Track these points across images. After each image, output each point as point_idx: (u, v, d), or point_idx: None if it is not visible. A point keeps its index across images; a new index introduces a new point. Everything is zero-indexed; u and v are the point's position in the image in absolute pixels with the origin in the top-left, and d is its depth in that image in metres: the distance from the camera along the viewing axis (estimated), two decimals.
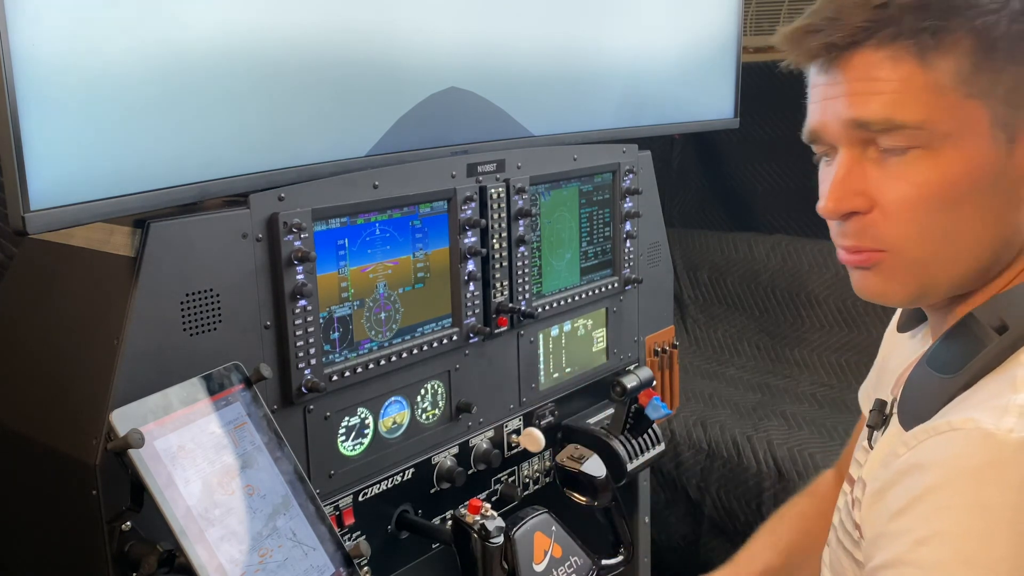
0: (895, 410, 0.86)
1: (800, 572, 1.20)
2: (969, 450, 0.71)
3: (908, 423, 0.80)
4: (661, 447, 1.67)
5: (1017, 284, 0.83)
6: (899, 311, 1.06)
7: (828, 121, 0.82)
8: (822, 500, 1.24)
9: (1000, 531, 0.68)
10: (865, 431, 0.96)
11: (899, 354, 1.02)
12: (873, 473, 0.84)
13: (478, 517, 1.33)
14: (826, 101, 0.82)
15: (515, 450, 1.59)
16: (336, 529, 1.15)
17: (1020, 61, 0.77)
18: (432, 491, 1.45)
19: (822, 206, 0.83)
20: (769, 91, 2.84)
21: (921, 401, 0.80)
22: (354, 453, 1.32)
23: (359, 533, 1.33)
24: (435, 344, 1.40)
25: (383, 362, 1.32)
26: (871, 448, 0.92)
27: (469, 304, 1.45)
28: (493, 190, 1.47)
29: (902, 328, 1.03)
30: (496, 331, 1.51)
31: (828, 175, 0.85)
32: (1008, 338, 0.78)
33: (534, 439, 1.56)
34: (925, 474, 0.72)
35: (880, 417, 0.93)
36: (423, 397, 1.42)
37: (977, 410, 0.73)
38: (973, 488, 0.70)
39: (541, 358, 1.63)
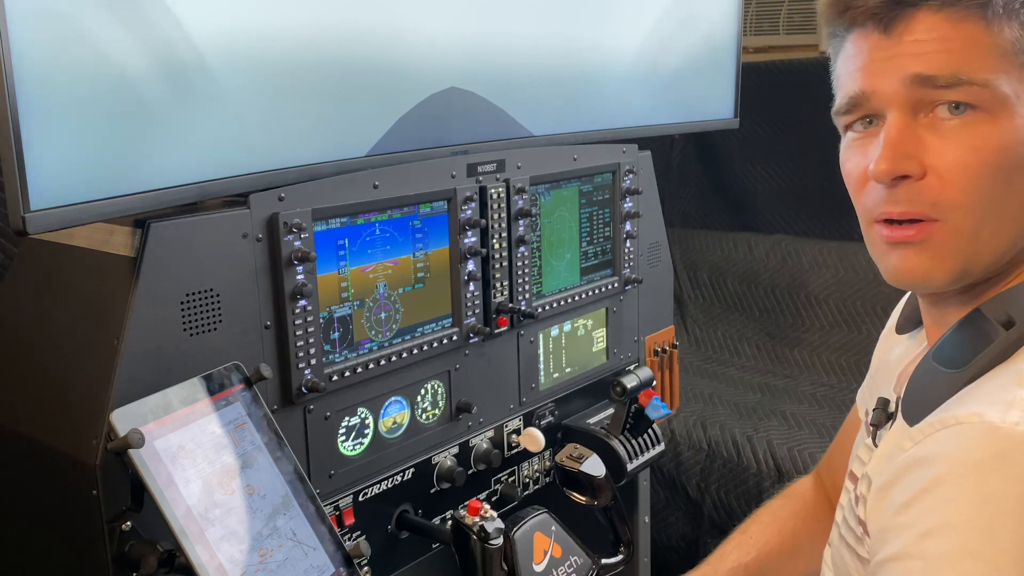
0: (899, 407, 0.86)
1: (773, 573, 1.20)
2: (974, 443, 0.71)
3: (913, 418, 0.80)
4: (661, 447, 1.67)
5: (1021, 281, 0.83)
6: (896, 314, 1.06)
7: (880, 83, 0.80)
8: (797, 502, 1.24)
9: (1005, 523, 0.68)
10: (866, 430, 0.96)
11: (898, 354, 1.02)
12: (879, 468, 0.84)
13: (477, 519, 1.33)
14: (879, 63, 0.80)
15: (515, 450, 1.59)
16: (336, 529, 1.15)
17: None
18: (432, 491, 1.45)
19: (875, 168, 0.79)
20: (769, 91, 2.84)
21: (926, 396, 0.80)
22: (354, 453, 1.32)
23: (359, 533, 1.33)
24: (435, 344, 1.40)
25: (383, 362, 1.32)
26: (875, 446, 0.92)
27: (469, 304, 1.45)
28: (493, 190, 1.47)
29: (900, 330, 1.03)
30: (496, 331, 1.51)
31: (860, 148, 0.84)
32: (1015, 333, 0.78)
33: (534, 439, 1.56)
34: (931, 467, 0.73)
35: (883, 415, 0.93)
36: (423, 397, 1.42)
37: (982, 404, 0.73)
38: (978, 481, 0.70)
39: (541, 358, 1.63)
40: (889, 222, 0.82)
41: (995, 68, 0.76)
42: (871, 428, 0.94)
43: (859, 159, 0.84)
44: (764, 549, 1.20)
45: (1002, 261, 0.82)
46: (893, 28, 0.79)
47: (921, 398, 0.81)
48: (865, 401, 1.10)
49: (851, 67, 0.83)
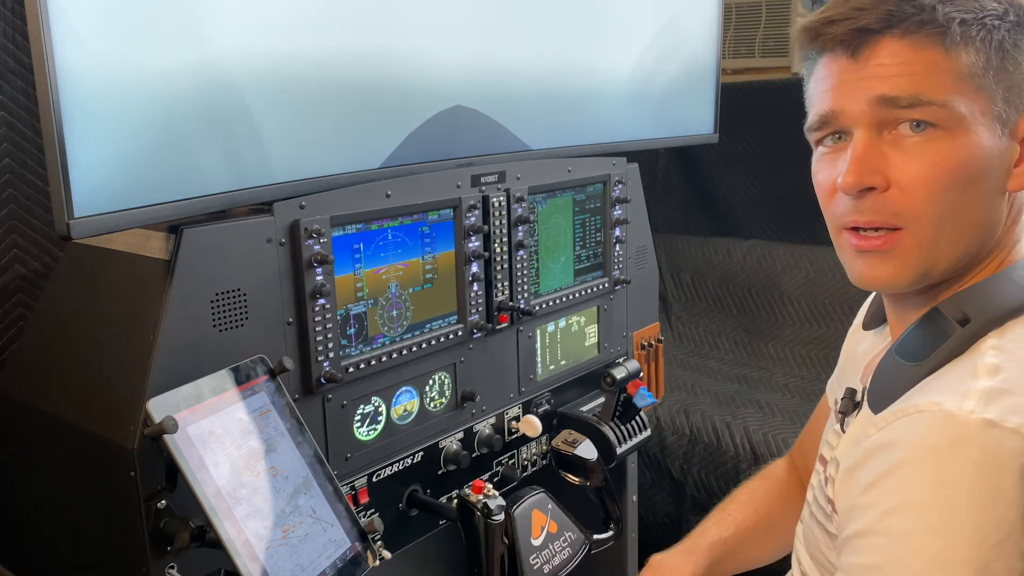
0: (865, 396, 0.86)
1: (750, 547, 1.20)
2: (933, 430, 0.71)
3: (877, 407, 0.80)
4: (647, 432, 1.67)
5: (980, 279, 0.83)
6: (863, 312, 1.06)
7: (848, 103, 0.80)
8: (772, 483, 1.25)
9: (961, 502, 0.68)
10: (835, 417, 0.96)
11: (865, 348, 1.02)
12: (846, 452, 0.84)
13: (481, 496, 1.33)
14: (847, 84, 0.80)
15: (515, 435, 1.59)
16: (352, 507, 1.14)
17: (1018, 65, 0.78)
18: (439, 473, 1.44)
19: (843, 181, 0.80)
20: (745, 109, 2.84)
21: (890, 386, 0.80)
22: (368, 438, 1.32)
23: (373, 511, 1.32)
24: (442, 339, 1.40)
25: (395, 355, 1.32)
26: (843, 431, 0.92)
27: (473, 303, 1.45)
28: (495, 199, 1.46)
29: (867, 326, 1.03)
30: (497, 327, 1.51)
31: (830, 161, 0.84)
32: (969, 329, 0.78)
33: (532, 425, 1.55)
34: (893, 452, 0.73)
35: (851, 403, 0.93)
36: (431, 387, 1.42)
37: (941, 394, 0.73)
38: (936, 464, 0.70)
39: (538, 352, 1.63)
40: (856, 230, 0.82)
41: (953, 90, 0.77)
42: (840, 415, 0.94)
43: (829, 172, 0.84)
44: (742, 526, 1.20)
45: (959, 264, 0.82)
46: (860, 53, 0.80)
47: (885, 388, 0.81)
48: (834, 391, 1.10)
49: (822, 88, 0.84)
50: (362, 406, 1.31)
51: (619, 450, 1.58)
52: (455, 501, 1.37)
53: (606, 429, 1.59)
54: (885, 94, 0.78)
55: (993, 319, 0.78)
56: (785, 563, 1.09)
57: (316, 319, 1.20)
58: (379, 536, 1.20)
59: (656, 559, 1.18)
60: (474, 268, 1.44)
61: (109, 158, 0.97)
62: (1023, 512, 0.67)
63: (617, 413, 1.61)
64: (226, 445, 0.99)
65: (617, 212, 1.74)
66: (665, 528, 2.42)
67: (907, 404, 0.75)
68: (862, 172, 0.79)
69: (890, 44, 0.78)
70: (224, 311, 1.11)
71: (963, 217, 0.79)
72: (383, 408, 1.34)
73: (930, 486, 0.69)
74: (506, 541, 1.33)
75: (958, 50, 0.77)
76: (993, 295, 0.80)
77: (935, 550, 0.68)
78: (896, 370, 0.81)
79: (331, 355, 1.22)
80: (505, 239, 1.49)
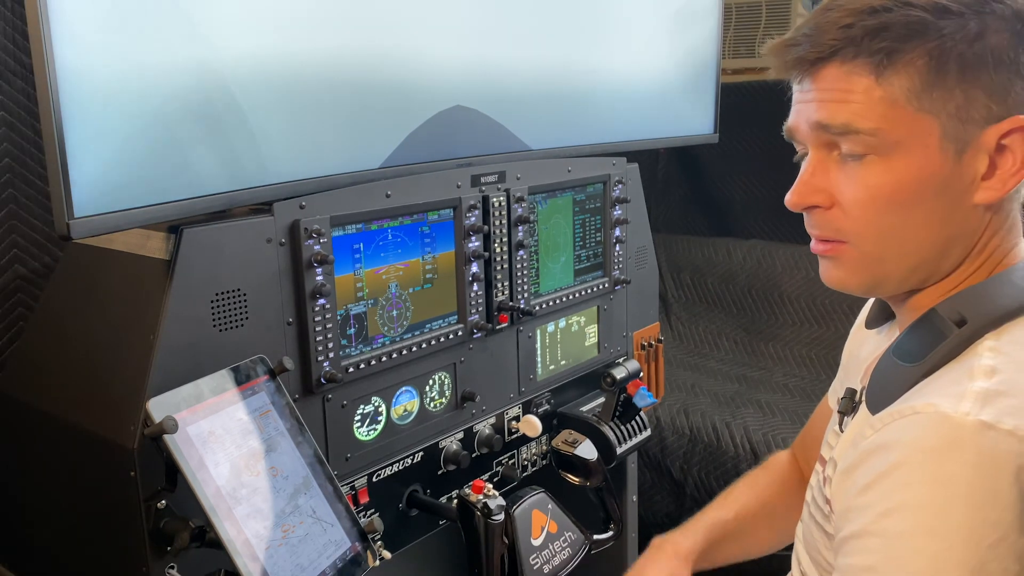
0: (863, 397, 0.86)
1: (749, 534, 1.22)
2: (929, 431, 0.71)
3: (875, 408, 0.80)
4: (647, 432, 1.67)
5: (975, 282, 0.83)
6: (866, 310, 1.06)
7: (799, 124, 0.85)
8: (774, 473, 1.26)
9: (957, 504, 0.68)
10: (835, 417, 0.96)
11: (867, 348, 1.02)
12: (843, 453, 0.84)
13: (481, 496, 1.33)
14: (799, 105, 0.84)
15: (515, 435, 1.59)
16: (352, 507, 1.15)
17: (970, 81, 0.77)
18: (439, 473, 1.44)
19: (787, 199, 0.85)
20: (746, 109, 2.83)
21: (887, 388, 0.81)
22: (368, 438, 1.32)
23: (373, 511, 1.32)
24: (442, 339, 1.40)
25: (395, 355, 1.32)
26: (842, 432, 0.92)
27: (473, 303, 1.45)
28: (495, 199, 1.46)
29: (870, 325, 1.03)
30: (497, 327, 1.51)
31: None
32: (966, 331, 0.78)
33: (532, 425, 1.55)
34: (890, 453, 0.73)
35: (850, 404, 0.93)
36: (431, 387, 1.42)
37: (937, 396, 0.73)
38: (933, 465, 0.70)
39: (538, 352, 1.63)
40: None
41: (885, 116, 0.78)
42: (839, 415, 0.94)
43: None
44: (742, 511, 1.21)
45: (921, 273, 0.84)
46: (805, 79, 0.83)
47: (882, 389, 0.81)
48: (836, 390, 1.10)
49: (792, 102, 0.87)
50: (362, 406, 1.31)
51: (619, 450, 1.58)
52: (455, 501, 1.37)
53: (606, 429, 1.59)
54: (820, 120, 0.81)
55: (990, 321, 0.78)
56: (786, 563, 1.09)
57: (316, 319, 1.20)
58: (379, 536, 1.20)
59: (657, 539, 1.21)
60: (474, 268, 1.44)
61: (109, 158, 0.97)
62: (1019, 513, 0.67)
63: (617, 413, 1.61)
64: (226, 445, 0.99)
65: (617, 212, 1.74)
66: (665, 528, 2.40)
67: (904, 406, 0.75)
68: (804, 193, 0.84)
69: (831, 71, 0.80)
70: (224, 311, 1.11)
71: (908, 235, 0.81)
72: (383, 408, 1.34)
73: (926, 487, 0.69)
74: (506, 541, 1.33)
75: (890, 77, 0.78)
76: (991, 297, 0.80)
77: (931, 551, 0.68)
78: (893, 371, 0.82)
79: (331, 355, 1.22)
80: (505, 239, 1.49)
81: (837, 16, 0.79)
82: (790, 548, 1.08)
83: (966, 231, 0.82)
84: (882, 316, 0.99)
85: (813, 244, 0.87)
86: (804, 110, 0.83)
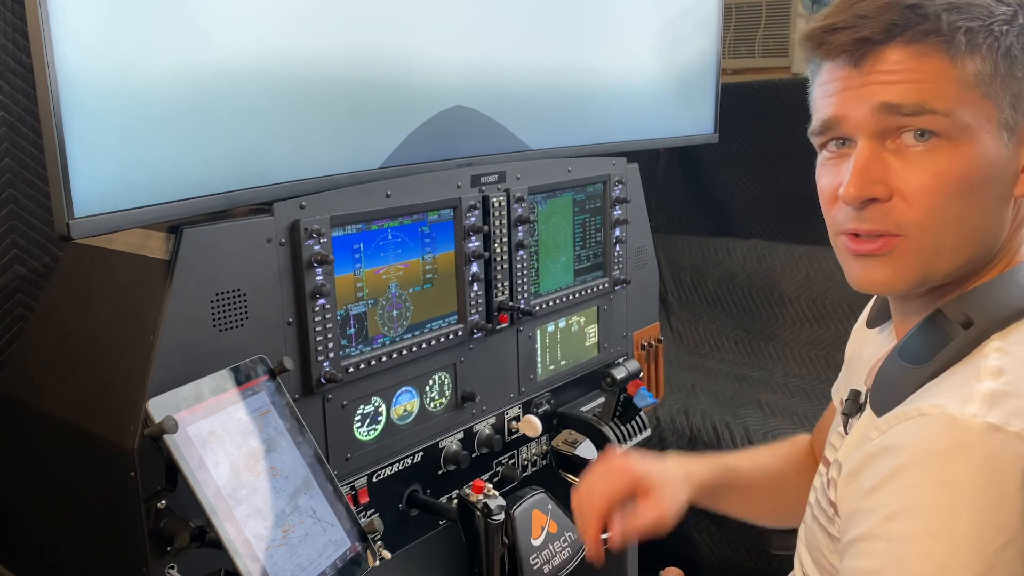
0: (868, 398, 0.86)
1: (756, 490, 1.16)
2: (936, 433, 0.71)
3: (880, 410, 0.80)
4: (647, 432, 1.67)
5: (986, 279, 0.83)
6: (868, 309, 1.06)
7: (851, 110, 0.80)
8: (795, 449, 1.19)
9: (963, 507, 0.68)
10: (839, 419, 0.96)
11: (870, 348, 1.01)
12: (848, 455, 0.83)
13: (481, 496, 1.33)
14: (851, 91, 0.80)
15: (515, 435, 1.59)
16: (352, 507, 1.14)
17: None
18: (439, 473, 1.44)
19: (845, 192, 0.79)
20: (746, 109, 2.83)
21: (892, 389, 0.80)
22: (369, 438, 1.32)
23: (373, 511, 1.32)
24: (442, 339, 1.40)
25: (395, 355, 1.32)
26: (846, 434, 0.92)
27: (473, 303, 1.45)
28: (495, 199, 1.46)
29: (871, 324, 1.03)
30: (497, 327, 1.51)
31: (833, 167, 0.83)
32: (972, 332, 0.78)
33: (532, 425, 1.55)
34: (895, 455, 0.72)
35: (855, 406, 0.93)
36: (431, 387, 1.42)
37: (943, 397, 0.73)
38: (939, 468, 0.69)
39: (538, 352, 1.63)
40: (855, 235, 0.82)
41: (957, 99, 0.76)
42: (843, 417, 0.94)
43: (831, 177, 0.84)
44: (755, 468, 1.16)
45: (961, 269, 0.82)
46: (863, 62, 0.79)
47: (887, 391, 0.81)
48: (840, 392, 1.09)
49: (825, 93, 0.83)
50: (362, 406, 1.30)
51: (619, 450, 1.58)
52: (455, 501, 1.37)
53: (606, 429, 1.59)
54: (888, 101, 0.77)
55: (997, 321, 0.78)
56: (786, 564, 1.09)
57: (316, 319, 1.20)
58: (379, 536, 1.20)
59: (674, 456, 1.13)
60: (474, 268, 1.44)
61: (109, 158, 0.97)
62: None
63: (617, 413, 1.61)
64: (226, 445, 0.99)
65: (617, 212, 1.74)
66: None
67: (910, 407, 0.75)
68: (864, 184, 0.78)
69: (894, 52, 0.77)
70: (224, 311, 1.11)
71: (966, 225, 0.79)
72: (383, 408, 1.34)
73: (932, 490, 0.69)
74: (506, 541, 1.33)
75: (963, 58, 0.76)
76: (997, 297, 0.80)
77: (937, 555, 0.67)
78: (899, 373, 0.81)
79: (331, 355, 1.22)
80: (505, 239, 1.49)
81: None
82: (791, 547, 1.08)
83: (1001, 225, 0.81)
84: (884, 314, 0.99)
85: (855, 245, 0.81)
86: (861, 94, 0.79)
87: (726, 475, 1.14)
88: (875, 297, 1.04)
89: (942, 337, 0.79)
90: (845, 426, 0.93)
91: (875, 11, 0.77)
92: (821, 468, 0.97)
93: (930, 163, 0.77)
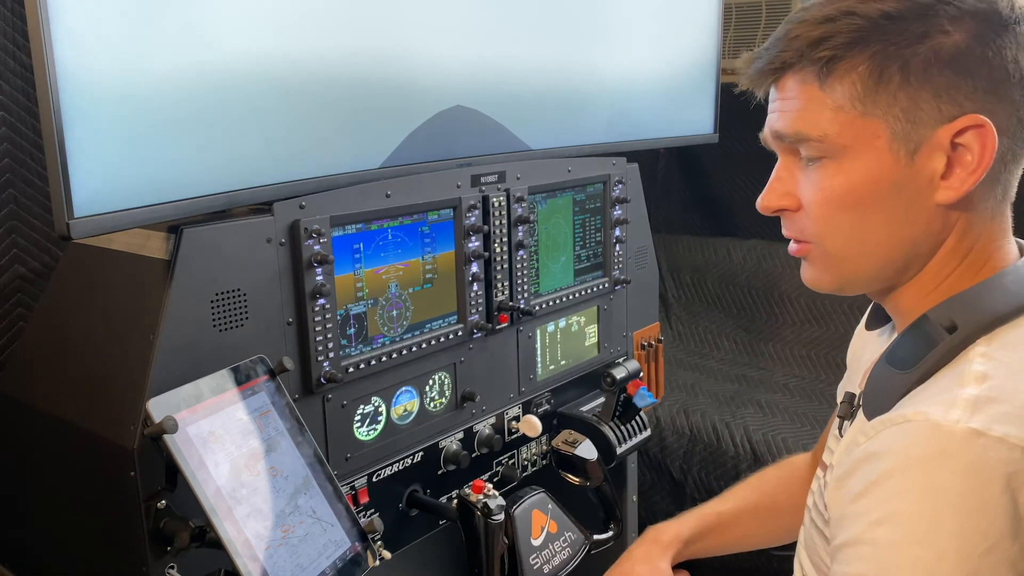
0: (860, 402, 0.86)
1: (750, 524, 1.23)
2: (920, 440, 0.71)
3: (871, 414, 0.80)
4: (647, 432, 1.67)
5: (957, 282, 0.83)
6: (868, 311, 1.06)
7: (766, 133, 0.88)
8: (785, 470, 1.26)
9: (947, 513, 0.68)
10: (836, 422, 0.96)
11: (868, 351, 1.02)
12: (840, 460, 0.84)
13: (481, 496, 1.33)
14: (768, 115, 0.88)
15: (515, 435, 1.59)
16: (352, 507, 1.14)
17: (916, 84, 0.77)
18: (439, 473, 1.44)
19: (758, 203, 0.90)
20: (746, 109, 2.84)
21: (880, 394, 0.81)
22: (368, 438, 1.32)
23: (373, 511, 1.32)
24: (442, 339, 1.40)
25: (395, 355, 1.32)
26: (841, 437, 0.92)
27: (473, 302, 1.45)
28: (495, 199, 1.46)
29: (869, 326, 1.03)
30: (497, 327, 1.51)
31: None
32: (957, 337, 0.78)
33: (532, 425, 1.55)
34: (881, 461, 0.72)
35: (849, 409, 0.93)
36: (431, 387, 1.42)
37: (928, 403, 0.73)
38: (923, 474, 0.70)
39: (538, 352, 1.63)
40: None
41: (832, 121, 0.80)
42: (839, 420, 0.94)
43: None
44: (741, 503, 1.23)
45: (889, 272, 0.85)
46: (771, 90, 0.86)
47: (876, 396, 0.81)
48: (842, 394, 1.10)
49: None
50: (362, 406, 1.30)
51: (619, 450, 1.58)
52: (455, 501, 1.37)
53: (606, 429, 1.59)
54: (776, 130, 0.85)
55: (981, 326, 0.78)
56: (786, 564, 1.09)
57: (316, 319, 1.20)
58: (379, 536, 1.20)
59: (650, 527, 1.23)
60: (474, 268, 1.44)
61: (109, 158, 0.97)
62: (1010, 521, 0.67)
63: (617, 413, 1.61)
64: (226, 445, 0.99)
65: (617, 212, 1.74)
66: None
67: (895, 414, 0.75)
68: (772, 197, 0.88)
69: (786, 82, 0.83)
70: (224, 311, 1.11)
71: (867, 235, 0.83)
72: (383, 408, 1.34)
73: (917, 496, 0.69)
74: (506, 541, 1.33)
75: (832, 84, 0.80)
76: (982, 302, 0.80)
77: (923, 561, 0.68)
78: (887, 378, 0.82)
79: (331, 355, 1.22)
80: (505, 239, 1.49)
81: (790, 29, 0.82)
82: (791, 548, 1.08)
83: (931, 231, 0.82)
84: (881, 317, 0.99)
85: (790, 245, 0.90)
86: (769, 120, 0.87)
87: (707, 520, 1.23)
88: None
89: (928, 342, 0.80)
90: (841, 429, 0.94)
91: (775, 45, 0.84)
92: (818, 472, 0.97)
93: (818, 179, 0.83)
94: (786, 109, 0.83)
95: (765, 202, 0.89)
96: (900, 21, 0.77)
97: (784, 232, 0.90)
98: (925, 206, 0.81)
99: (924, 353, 0.79)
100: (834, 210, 0.83)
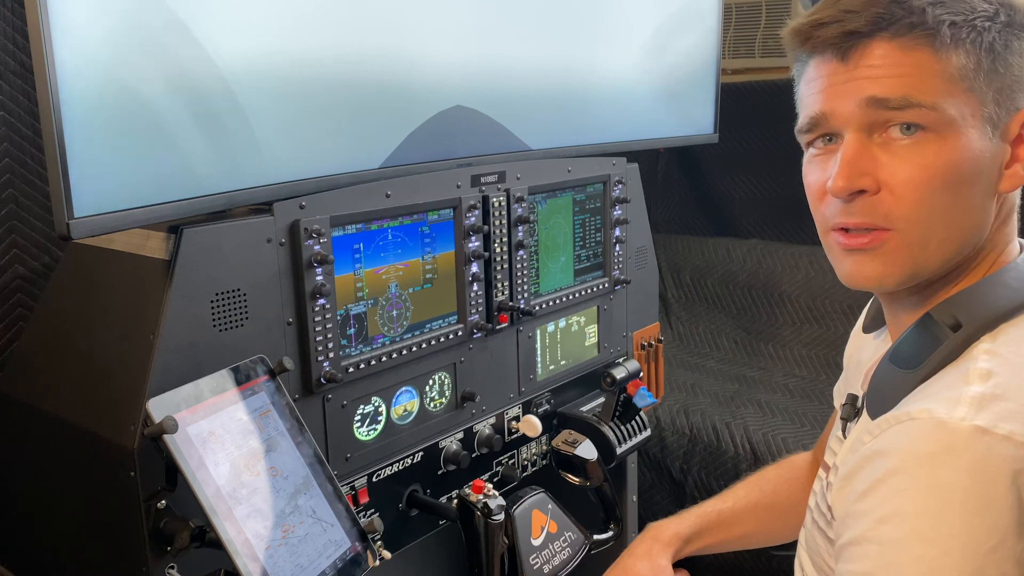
0: (864, 403, 0.86)
1: (749, 522, 1.22)
2: (925, 437, 0.71)
3: (874, 414, 0.80)
4: (647, 432, 1.67)
5: (974, 277, 0.83)
6: (864, 314, 1.06)
7: (838, 105, 0.80)
8: (785, 468, 1.26)
9: (952, 510, 0.68)
10: (838, 423, 0.96)
11: (866, 352, 1.02)
12: (844, 459, 0.84)
13: (481, 496, 1.33)
14: (837, 86, 0.80)
15: (515, 435, 1.59)
16: (352, 507, 1.14)
17: (1008, 66, 0.78)
18: (439, 472, 1.44)
19: (834, 184, 0.79)
20: (745, 109, 2.83)
21: (885, 393, 0.80)
22: (368, 438, 1.32)
23: (373, 511, 1.32)
24: (442, 339, 1.40)
25: (395, 355, 1.32)
26: (844, 438, 0.92)
27: (473, 303, 1.45)
28: (495, 199, 1.46)
29: (867, 329, 1.03)
30: (497, 327, 1.51)
31: (821, 163, 0.84)
32: (961, 335, 0.78)
33: (532, 425, 1.55)
34: (886, 459, 0.72)
35: (852, 410, 0.93)
36: (431, 387, 1.42)
37: (933, 401, 0.73)
38: (928, 472, 0.70)
39: (538, 352, 1.62)
40: (845, 230, 0.82)
41: (942, 92, 0.76)
42: (842, 422, 0.94)
43: (819, 173, 0.84)
44: (741, 502, 1.22)
45: (949, 264, 0.82)
46: (850, 56, 0.79)
47: (881, 395, 0.81)
48: (840, 394, 1.10)
49: (812, 90, 0.83)
50: (362, 406, 1.30)
51: (619, 450, 1.58)
52: (455, 501, 1.37)
53: (606, 429, 1.59)
54: (875, 95, 0.78)
55: (985, 323, 0.78)
56: (787, 564, 1.09)
57: (316, 319, 1.20)
58: (379, 536, 1.20)
59: (650, 524, 1.23)
60: (474, 268, 1.44)
61: (109, 157, 0.97)
62: (1015, 518, 0.67)
63: (617, 413, 1.61)
64: (226, 445, 0.99)
65: (617, 212, 1.74)
66: None
67: (900, 411, 0.75)
68: (852, 176, 0.78)
69: (880, 46, 0.78)
70: (224, 311, 1.11)
71: (953, 219, 0.79)
72: (383, 408, 1.34)
73: (922, 494, 0.69)
74: (506, 541, 1.33)
75: (948, 52, 0.77)
76: (984, 299, 0.80)
77: (928, 558, 0.68)
78: (891, 377, 0.81)
79: (331, 355, 1.22)
80: (505, 239, 1.49)
81: None
82: (791, 548, 1.08)
83: (987, 221, 0.81)
84: (879, 319, 0.99)
85: (846, 240, 0.82)
86: (848, 89, 0.79)
87: (707, 519, 1.22)
88: (870, 302, 1.05)
89: (932, 340, 0.79)
90: (844, 430, 0.94)
91: (861, 5, 0.78)
92: (821, 472, 0.97)
93: (917, 156, 0.77)
94: (887, 74, 0.77)
95: (846, 182, 0.78)
96: (1006, 6, 0.78)
97: (852, 219, 0.80)
98: (993, 193, 0.80)
99: (928, 351, 0.79)
100: (934, 190, 0.77)
